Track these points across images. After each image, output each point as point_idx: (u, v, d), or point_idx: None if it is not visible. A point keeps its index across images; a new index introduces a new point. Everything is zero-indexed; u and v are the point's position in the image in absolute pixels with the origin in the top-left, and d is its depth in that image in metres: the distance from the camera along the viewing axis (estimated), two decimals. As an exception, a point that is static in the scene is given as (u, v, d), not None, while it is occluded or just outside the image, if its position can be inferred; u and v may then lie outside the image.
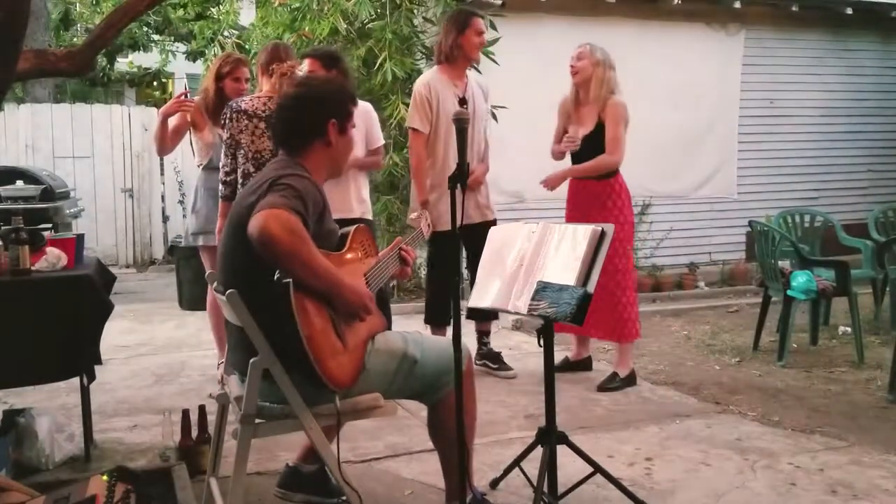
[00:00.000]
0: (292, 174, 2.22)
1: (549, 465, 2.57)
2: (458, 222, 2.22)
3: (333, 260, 2.23)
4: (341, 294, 2.14)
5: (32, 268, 3.01)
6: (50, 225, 6.00)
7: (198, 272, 4.38)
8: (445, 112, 4.23)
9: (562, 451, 2.61)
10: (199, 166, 4.31)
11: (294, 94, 2.44)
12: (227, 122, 3.84)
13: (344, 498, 2.47)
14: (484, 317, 4.45)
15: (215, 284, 2.38)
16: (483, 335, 4.56)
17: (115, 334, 5.32)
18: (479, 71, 4.57)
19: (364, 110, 3.96)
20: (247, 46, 9.39)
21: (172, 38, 15.14)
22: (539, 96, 5.38)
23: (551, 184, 4.25)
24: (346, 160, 2.48)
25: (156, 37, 15.10)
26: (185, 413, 3.07)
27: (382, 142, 4.24)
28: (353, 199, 4.11)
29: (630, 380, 4.17)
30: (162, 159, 9.47)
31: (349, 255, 2.39)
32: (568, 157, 4.29)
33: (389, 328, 2.55)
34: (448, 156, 4.23)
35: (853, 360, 4.64)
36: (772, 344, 4.92)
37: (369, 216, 4.27)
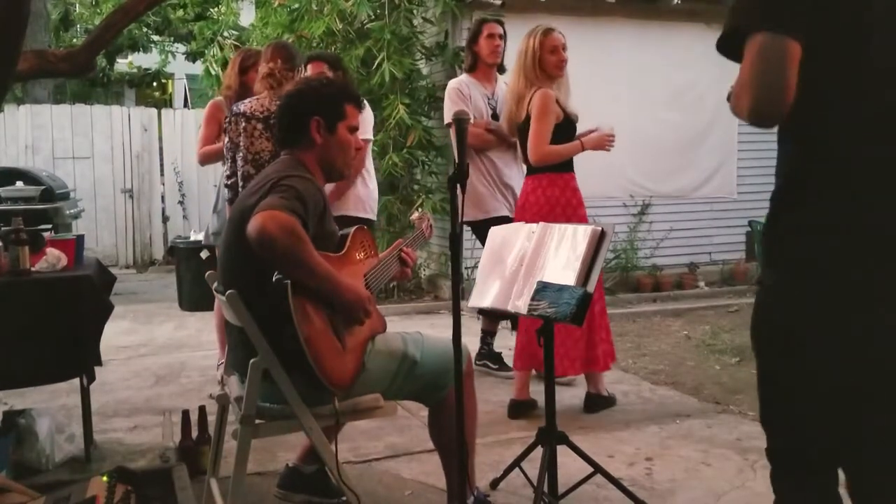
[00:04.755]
0: (294, 175, 2.23)
1: (550, 465, 2.57)
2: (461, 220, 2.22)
3: (333, 261, 2.23)
4: (340, 296, 2.14)
5: (32, 268, 3.01)
6: (50, 226, 5.97)
7: (198, 272, 4.38)
8: (477, 109, 4.29)
9: (562, 451, 2.61)
10: (223, 165, 4.28)
11: (286, 93, 2.48)
12: (226, 126, 3.85)
13: (344, 498, 2.47)
14: (494, 316, 4.38)
15: (215, 285, 2.38)
16: (488, 335, 4.54)
17: (115, 335, 5.32)
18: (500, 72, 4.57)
19: None
20: (251, 49, 9.40)
21: (172, 39, 15.18)
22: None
23: None
24: (342, 161, 2.43)
25: (155, 37, 15.14)
26: (186, 413, 3.07)
27: (364, 136, 3.93)
28: (366, 196, 4.10)
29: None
30: (161, 159, 9.50)
31: (349, 257, 2.39)
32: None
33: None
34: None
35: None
36: (772, 344, 4.92)
37: (374, 216, 4.29)
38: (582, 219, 3.70)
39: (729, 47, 1.53)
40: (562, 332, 3.53)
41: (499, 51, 4.41)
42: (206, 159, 4.41)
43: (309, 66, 4.05)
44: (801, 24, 1.43)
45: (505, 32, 4.48)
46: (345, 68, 4.11)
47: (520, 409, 3.70)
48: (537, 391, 3.86)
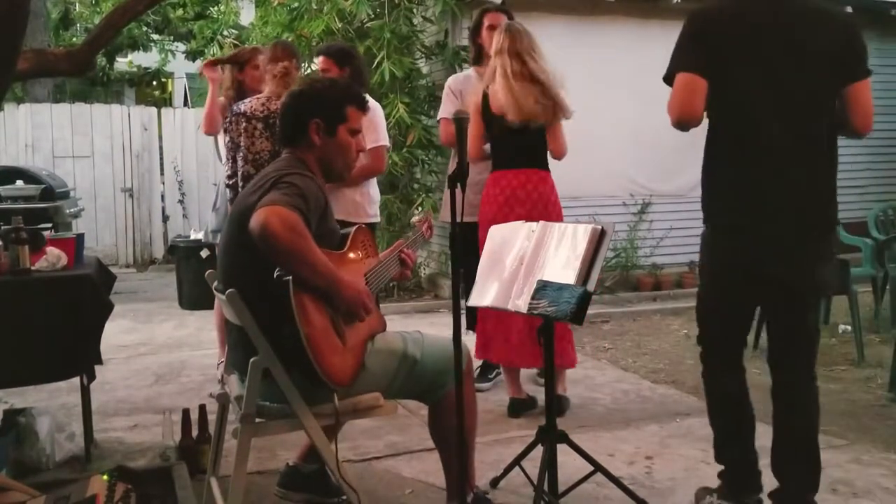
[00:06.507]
0: (295, 173, 2.23)
1: (550, 464, 2.57)
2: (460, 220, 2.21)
3: (334, 259, 2.23)
4: (340, 292, 2.14)
5: (32, 268, 3.00)
6: (50, 225, 5.97)
7: (198, 271, 4.37)
8: (466, 106, 4.16)
9: (562, 449, 2.61)
10: (224, 165, 4.25)
11: (289, 93, 2.49)
12: (227, 125, 3.85)
13: (344, 497, 2.48)
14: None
15: (215, 284, 2.38)
16: None
17: (115, 334, 5.32)
18: None
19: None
20: (246, 46, 9.41)
21: (172, 38, 15.20)
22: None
23: None
24: (342, 163, 2.42)
25: (155, 36, 15.16)
26: (186, 412, 3.07)
27: (380, 143, 3.92)
28: (365, 202, 4.00)
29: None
30: (161, 159, 9.49)
31: (350, 255, 2.39)
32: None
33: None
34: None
35: (853, 358, 4.64)
36: (772, 343, 4.92)
37: (377, 219, 4.18)
38: (560, 217, 3.72)
39: (669, 81, 2.44)
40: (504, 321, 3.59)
41: None
42: (209, 124, 4.22)
43: (319, 60, 3.97)
44: (704, 67, 2.35)
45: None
46: (354, 64, 3.95)
47: (519, 407, 3.70)
48: (535, 391, 3.87)
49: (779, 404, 2.50)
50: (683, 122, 2.38)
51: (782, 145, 2.34)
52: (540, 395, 3.40)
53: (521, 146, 3.69)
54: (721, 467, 2.66)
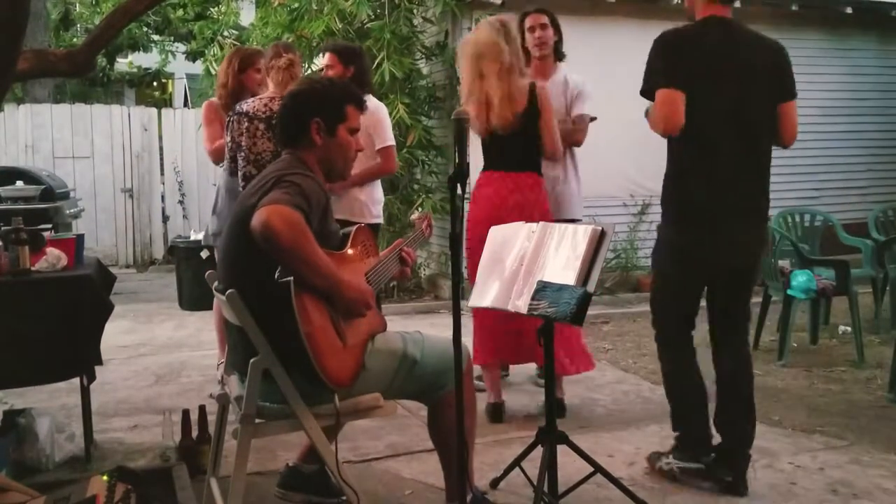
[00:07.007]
0: (297, 173, 2.23)
1: (550, 465, 2.57)
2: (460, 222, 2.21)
3: (335, 259, 2.23)
4: (341, 291, 2.15)
5: (32, 268, 3.00)
6: (50, 225, 5.97)
7: (198, 272, 4.35)
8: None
9: (562, 450, 2.61)
10: (223, 168, 4.24)
11: (288, 94, 2.49)
12: (228, 125, 3.84)
13: (344, 498, 2.47)
14: None
15: (215, 284, 2.38)
16: None
17: (115, 334, 5.31)
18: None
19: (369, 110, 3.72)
20: (246, 47, 9.41)
21: (172, 39, 15.20)
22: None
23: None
24: (342, 162, 2.43)
25: (155, 37, 15.16)
26: (186, 413, 3.07)
27: (389, 142, 3.95)
28: (369, 202, 3.97)
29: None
30: (161, 159, 9.49)
31: (350, 255, 2.40)
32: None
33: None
34: None
35: (853, 359, 4.64)
36: (772, 343, 4.92)
37: (380, 219, 4.15)
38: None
39: (648, 95, 2.81)
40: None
41: (541, 41, 4.18)
42: (219, 155, 4.22)
43: (326, 56, 3.97)
44: (682, 83, 2.70)
45: (554, 20, 4.28)
46: (359, 63, 3.95)
47: (498, 411, 3.63)
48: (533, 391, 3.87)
49: (725, 370, 2.94)
50: (668, 133, 2.78)
51: (742, 154, 2.76)
52: (540, 396, 3.40)
53: (512, 149, 3.61)
54: (677, 434, 2.98)
